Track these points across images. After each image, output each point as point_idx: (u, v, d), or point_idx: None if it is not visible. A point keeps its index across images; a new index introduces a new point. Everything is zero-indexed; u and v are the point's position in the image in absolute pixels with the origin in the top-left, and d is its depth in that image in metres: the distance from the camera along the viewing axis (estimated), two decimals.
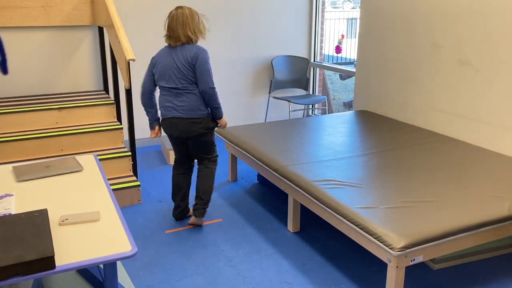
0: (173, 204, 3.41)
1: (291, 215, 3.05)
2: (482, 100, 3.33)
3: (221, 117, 2.96)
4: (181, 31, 2.82)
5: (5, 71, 2.24)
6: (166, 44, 2.94)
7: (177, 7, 2.86)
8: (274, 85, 5.27)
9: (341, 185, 2.68)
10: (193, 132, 2.90)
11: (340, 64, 7.82)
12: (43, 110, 3.67)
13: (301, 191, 2.76)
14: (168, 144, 4.43)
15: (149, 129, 4.87)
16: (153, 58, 2.94)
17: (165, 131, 3.00)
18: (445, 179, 2.76)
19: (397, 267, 2.15)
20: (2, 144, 3.40)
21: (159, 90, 2.97)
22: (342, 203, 2.47)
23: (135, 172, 3.65)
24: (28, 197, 1.95)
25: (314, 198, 2.64)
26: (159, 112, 3.03)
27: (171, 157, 4.34)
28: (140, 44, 4.60)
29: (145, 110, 3.00)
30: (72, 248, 1.54)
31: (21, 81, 4.13)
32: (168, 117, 2.92)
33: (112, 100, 3.92)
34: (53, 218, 1.75)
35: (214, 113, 2.94)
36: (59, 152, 3.58)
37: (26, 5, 3.88)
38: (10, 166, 2.31)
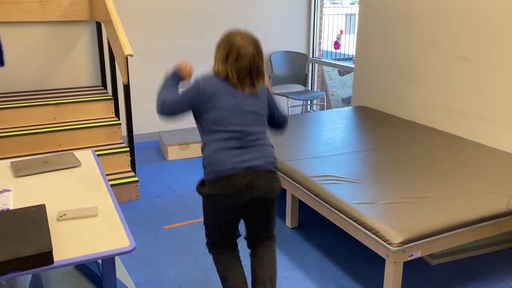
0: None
1: (289, 211, 3.05)
2: (480, 96, 3.33)
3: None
4: None
5: (1, 63, 2.23)
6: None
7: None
8: (273, 80, 5.26)
9: (340, 180, 2.68)
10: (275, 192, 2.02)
11: (338, 60, 7.81)
12: (41, 105, 3.66)
13: (300, 186, 2.76)
14: (166, 140, 4.41)
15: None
16: None
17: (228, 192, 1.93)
18: (443, 174, 2.76)
19: (395, 262, 2.16)
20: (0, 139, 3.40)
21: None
22: (341, 198, 2.47)
23: (133, 168, 3.64)
24: (26, 192, 1.94)
25: (313, 194, 2.64)
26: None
27: (170, 152, 4.32)
28: (138, 39, 4.58)
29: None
30: (70, 244, 1.54)
31: (18, 76, 4.12)
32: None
33: (110, 96, 3.91)
34: (51, 214, 1.74)
35: None
36: (57, 147, 3.57)
37: (23, 0, 3.86)
38: (8, 161, 2.30)
